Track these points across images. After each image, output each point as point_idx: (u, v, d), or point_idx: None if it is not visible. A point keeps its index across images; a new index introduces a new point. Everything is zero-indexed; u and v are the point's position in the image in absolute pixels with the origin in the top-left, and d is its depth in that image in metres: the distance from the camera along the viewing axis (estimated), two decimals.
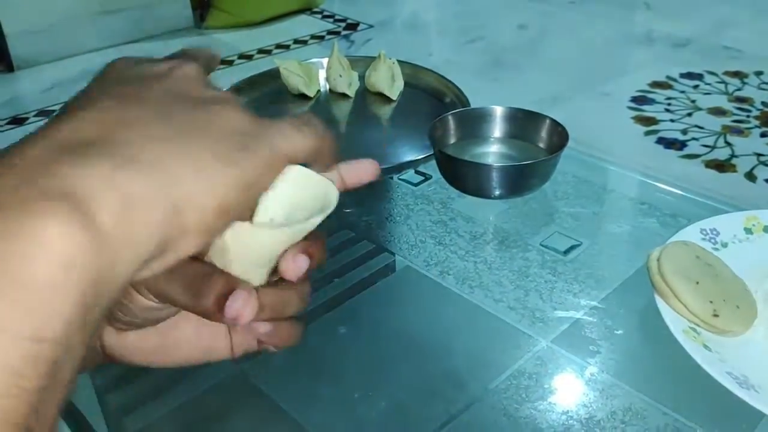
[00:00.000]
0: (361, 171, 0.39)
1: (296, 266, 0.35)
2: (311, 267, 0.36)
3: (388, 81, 1.01)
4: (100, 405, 0.61)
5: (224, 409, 0.58)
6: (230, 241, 0.35)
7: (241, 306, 0.33)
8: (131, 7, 2.83)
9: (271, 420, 0.57)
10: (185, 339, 0.39)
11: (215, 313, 0.34)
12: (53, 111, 2.28)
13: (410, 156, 0.85)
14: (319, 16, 3.12)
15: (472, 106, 0.93)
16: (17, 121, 2.27)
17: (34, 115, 2.29)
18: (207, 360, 0.40)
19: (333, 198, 0.38)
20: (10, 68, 2.60)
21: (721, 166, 1.91)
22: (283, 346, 0.38)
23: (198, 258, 0.35)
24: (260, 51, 2.76)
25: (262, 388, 0.59)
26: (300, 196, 0.37)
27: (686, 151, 1.99)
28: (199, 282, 0.34)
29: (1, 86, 2.53)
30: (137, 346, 0.39)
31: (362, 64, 1.06)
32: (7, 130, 2.22)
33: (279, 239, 0.36)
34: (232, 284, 0.34)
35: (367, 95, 1.03)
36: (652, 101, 2.25)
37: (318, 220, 0.37)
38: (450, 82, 1.01)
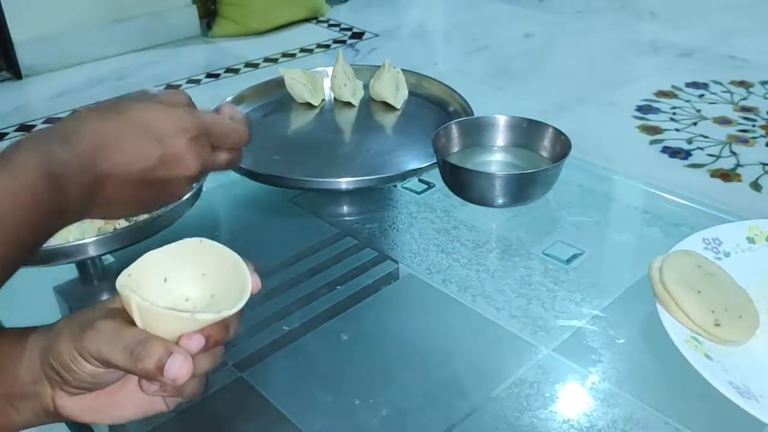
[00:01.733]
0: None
1: (188, 346, 0.40)
2: (206, 347, 0.41)
3: (393, 90, 1.01)
4: None
5: (227, 415, 0.59)
6: (139, 318, 0.41)
7: (179, 367, 0.39)
8: (138, 16, 2.85)
9: (272, 426, 0.57)
10: (130, 398, 0.44)
11: (155, 374, 0.39)
12: (60, 118, 2.30)
13: (414, 164, 0.86)
14: (325, 24, 3.14)
15: (477, 114, 0.93)
16: (25, 128, 2.29)
17: (42, 123, 2.31)
18: (147, 414, 0.45)
19: (248, 289, 0.42)
20: (18, 76, 2.62)
21: (727, 176, 1.91)
22: (195, 397, 0.45)
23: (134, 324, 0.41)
24: (266, 59, 2.77)
25: (264, 395, 0.60)
26: (216, 275, 0.43)
27: (691, 160, 1.99)
28: (138, 347, 0.39)
29: (9, 94, 2.55)
30: (88, 406, 0.44)
31: (367, 73, 1.06)
32: (15, 137, 2.23)
33: (187, 325, 0.41)
34: (168, 348, 0.39)
35: (371, 104, 1.04)
36: (657, 110, 2.25)
37: (228, 313, 0.41)
38: (454, 91, 1.01)
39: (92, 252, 0.67)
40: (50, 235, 0.48)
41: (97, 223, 0.71)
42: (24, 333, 0.44)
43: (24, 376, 0.43)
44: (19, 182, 0.44)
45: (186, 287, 0.44)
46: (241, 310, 0.42)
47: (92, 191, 0.47)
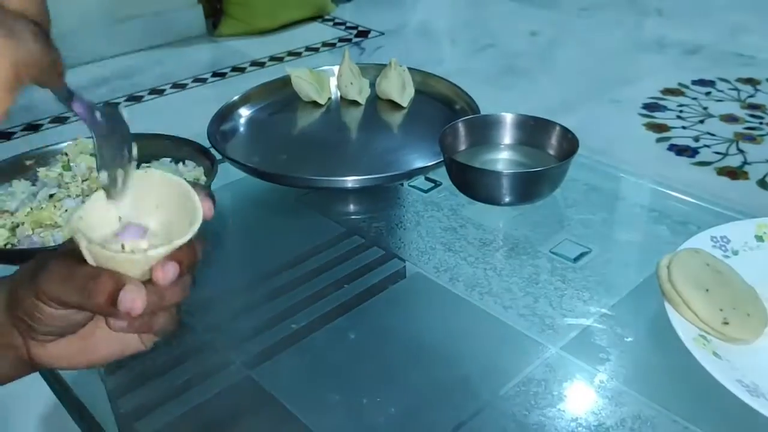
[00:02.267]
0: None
1: (165, 275, 0.39)
2: (182, 272, 0.39)
3: (399, 88, 1.01)
4: (112, 409, 0.61)
5: (234, 414, 0.59)
6: (93, 262, 0.39)
7: (132, 299, 0.38)
8: (144, 15, 2.85)
9: (280, 424, 0.58)
10: (103, 339, 0.43)
11: (109, 308, 0.38)
12: (67, 117, 2.31)
13: (421, 163, 0.86)
14: (331, 23, 3.14)
15: (483, 112, 0.93)
16: (32, 127, 2.30)
17: (49, 122, 2.31)
18: (124, 354, 0.44)
19: (199, 213, 0.41)
20: None
21: (734, 174, 1.90)
22: (168, 331, 0.43)
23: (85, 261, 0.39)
24: (272, 58, 2.77)
25: (272, 393, 0.60)
26: (168, 203, 0.42)
27: (698, 158, 1.98)
28: (89, 283, 0.38)
29: None
30: (61, 353, 0.43)
31: (373, 71, 1.06)
32: (22, 135, 2.24)
33: (142, 263, 0.39)
34: (120, 281, 0.38)
35: (377, 102, 1.04)
36: (663, 108, 2.25)
37: (180, 242, 0.40)
38: (460, 89, 1.01)
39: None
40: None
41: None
42: None
43: None
44: None
45: (142, 222, 0.42)
46: (200, 234, 0.40)
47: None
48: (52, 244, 0.75)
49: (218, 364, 0.63)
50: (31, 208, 0.78)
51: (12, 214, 0.79)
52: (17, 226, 0.77)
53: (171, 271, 0.39)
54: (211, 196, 0.42)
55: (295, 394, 0.60)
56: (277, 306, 0.69)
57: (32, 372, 0.44)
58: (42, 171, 0.86)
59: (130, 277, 0.39)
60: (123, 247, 0.40)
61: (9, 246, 0.75)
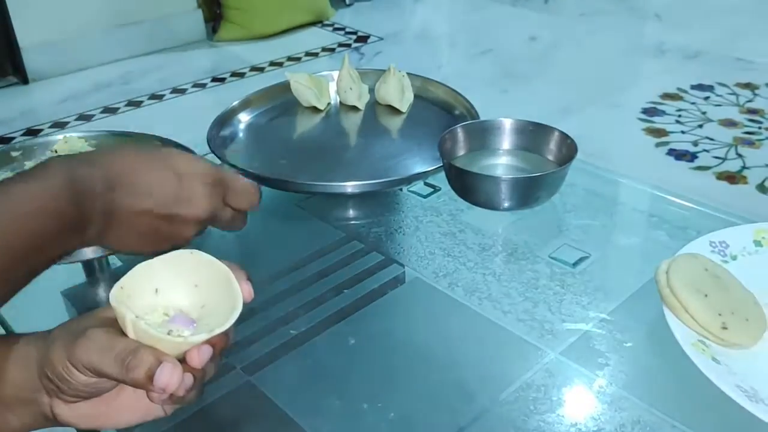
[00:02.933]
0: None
1: (200, 359, 0.42)
2: (214, 355, 0.42)
3: (398, 93, 1.02)
4: None
5: (234, 419, 0.59)
6: (133, 336, 0.41)
7: (168, 377, 0.40)
8: (144, 20, 2.86)
9: (280, 430, 0.58)
10: (127, 405, 0.45)
11: (146, 384, 0.40)
12: (67, 122, 2.31)
13: (420, 168, 0.86)
14: (330, 28, 3.15)
15: (482, 117, 0.93)
16: (32, 132, 2.30)
17: (49, 127, 2.32)
18: (145, 420, 0.46)
19: (239, 302, 0.43)
20: (25, 80, 2.63)
21: (733, 178, 1.90)
22: (192, 401, 0.45)
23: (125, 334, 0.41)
24: (272, 63, 2.78)
25: (272, 398, 0.60)
26: (208, 286, 0.44)
27: (697, 162, 1.98)
28: (128, 357, 0.40)
29: (16, 98, 2.56)
30: (86, 414, 0.44)
31: (372, 76, 1.06)
32: (22, 141, 2.24)
33: (182, 347, 0.42)
34: (158, 358, 0.40)
35: (377, 108, 1.04)
36: (662, 113, 2.25)
37: (220, 331, 0.42)
38: (459, 94, 1.02)
39: (92, 254, 0.66)
40: (66, 251, 0.50)
41: None
42: (8, 339, 0.45)
43: (21, 383, 0.43)
44: (46, 188, 0.47)
45: (177, 298, 0.44)
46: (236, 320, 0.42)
47: (110, 214, 0.51)
48: None
49: (217, 369, 0.63)
50: None
51: None
52: None
53: (206, 354, 0.42)
54: (249, 278, 0.45)
55: (295, 399, 0.60)
56: (277, 311, 0.69)
57: (54, 426, 0.45)
58: (29, 165, 0.85)
59: (168, 354, 0.41)
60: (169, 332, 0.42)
61: None
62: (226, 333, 0.43)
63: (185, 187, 0.54)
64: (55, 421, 0.44)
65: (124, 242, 0.54)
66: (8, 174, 0.84)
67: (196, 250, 0.45)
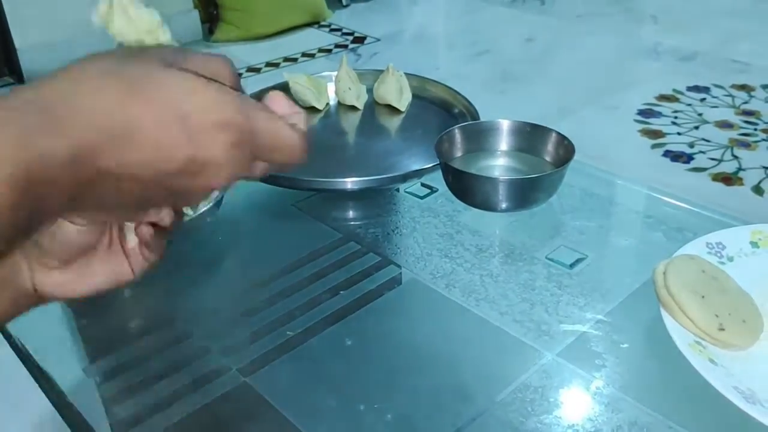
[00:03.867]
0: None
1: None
2: None
3: (397, 93, 1.02)
4: (107, 416, 0.61)
5: (230, 421, 0.59)
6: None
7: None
8: None
9: (277, 431, 0.58)
10: (98, 268, 0.45)
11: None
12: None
13: (418, 166, 0.86)
14: (327, 29, 3.15)
15: (479, 118, 0.93)
16: None
17: None
18: (117, 283, 0.45)
19: None
20: (20, 81, 2.62)
21: (728, 180, 1.91)
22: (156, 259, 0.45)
23: None
24: (268, 64, 2.78)
25: (268, 400, 0.60)
26: None
27: (693, 164, 1.99)
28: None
29: None
30: (60, 281, 0.44)
31: (370, 77, 1.07)
32: None
33: None
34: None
35: (375, 107, 1.04)
36: (658, 114, 2.26)
37: None
38: (457, 93, 1.02)
39: None
40: None
41: None
42: None
43: None
44: None
45: None
46: None
47: (81, 192, 0.33)
48: None
49: (214, 371, 0.63)
50: None
51: None
52: None
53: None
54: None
55: (292, 400, 0.60)
56: (273, 312, 0.69)
57: (32, 307, 0.45)
58: None
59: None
60: None
61: None
62: None
63: (200, 150, 0.34)
64: (36, 297, 0.44)
65: (100, 216, 0.41)
66: None
67: None
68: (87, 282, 0.45)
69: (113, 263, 0.45)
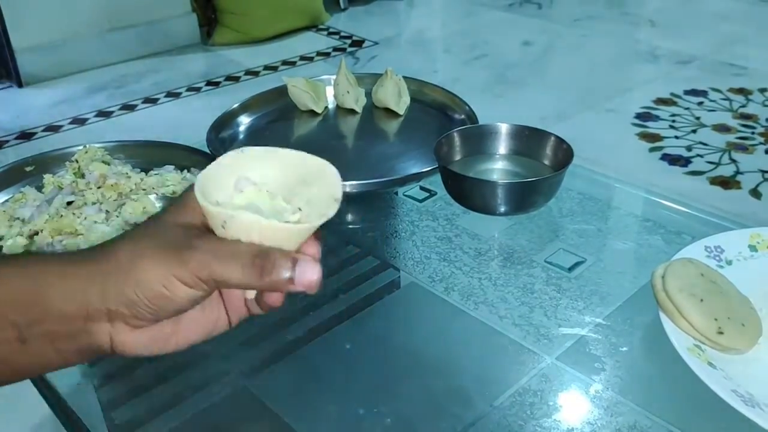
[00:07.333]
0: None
1: (317, 252, 0.39)
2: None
3: (395, 96, 1.02)
4: (105, 420, 0.61)
5: (229, 425, 0.59)
6: (235, 233, 0.37)
7: (312, 273, 0.37)
8: (138, 24, 2.85)
9: None
10: (194, 320, 0.41)
11: (285, 285, 0.37)
12: (60, 126, 2.30)
13: (417, 169, 0.86)
14: (325, 33, 3.15)
15: (477, 122, 0.93)
16: (25, 135, 2.29)
17: (42, 130, 2.31)
18: (211, 335, 0.43)
19: (339, 188, 0.41)
20: (18, 84, 2.62)
21: (726, 183, 1.91)
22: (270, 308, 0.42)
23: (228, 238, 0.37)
24: (267, 67, 2.77)
25: (267, 403, 0.60)
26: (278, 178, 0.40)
27: (691, 167, 1.99)
28: (256, 260, 0.36)
29: (10, 101, 2.55)
30: (154, 337, 0.40)
31: (369, 80, 1.07)
32: (15, 144, 2.23)
33: (296, 236, 0.39)
34: (289, 255, 0.37)
35: (374, 111, 1.04)
36: (656, 118, 2.26)
37: (332, 213, 0.39)
38: (456, 96, 1.02)
39: None
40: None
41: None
42: (38, 262, 0.40)
43: (72, 312, 0.38)
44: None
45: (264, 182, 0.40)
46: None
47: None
48: None
49: (213, 374, 0.63)
50: (49, 215, 0.76)
51: (24, 221, 0.77)
52: (35, 234, 0.75)
53: (316, 249, 0.39)
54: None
55: (291, 404, 0.59)
56: (272, 316, 0.68)
57: (95, 360, 0.44)
58: (49, 178, 0.84)
59: (299, 253, 0.38)
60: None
61: None
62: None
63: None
64: (110, 353, 0.40)
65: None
66: (34, 191, 0.83)
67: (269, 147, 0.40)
68: (178, 339, 0.41)
69: (208, 314, 0.41)
